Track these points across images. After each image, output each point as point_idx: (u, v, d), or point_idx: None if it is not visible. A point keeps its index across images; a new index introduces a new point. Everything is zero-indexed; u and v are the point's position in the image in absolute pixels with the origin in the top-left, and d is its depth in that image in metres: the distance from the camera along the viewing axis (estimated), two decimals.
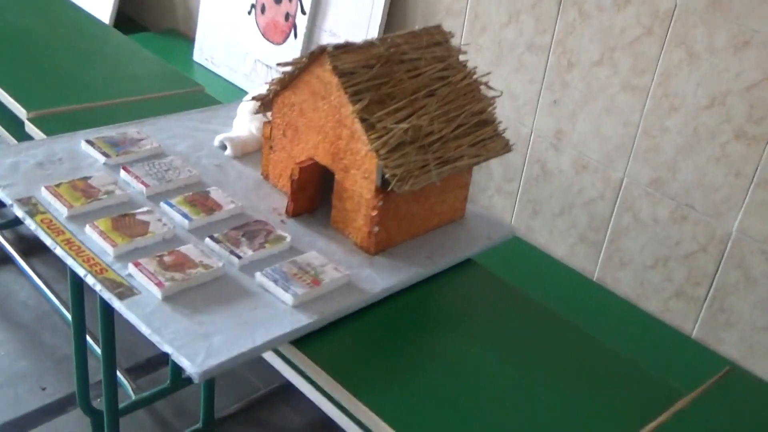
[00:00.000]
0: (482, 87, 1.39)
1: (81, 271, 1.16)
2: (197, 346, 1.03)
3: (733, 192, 1.66)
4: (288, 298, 1.16)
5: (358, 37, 2.15)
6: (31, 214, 1.24)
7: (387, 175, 1.22)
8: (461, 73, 1.38)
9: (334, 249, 1.31)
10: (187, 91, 1.87)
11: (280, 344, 1.09)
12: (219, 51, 2.63)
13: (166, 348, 1.02)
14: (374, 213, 1.29)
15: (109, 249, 1.19)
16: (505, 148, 1.39)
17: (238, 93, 2.42)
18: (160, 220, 1.27)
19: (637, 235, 1.84)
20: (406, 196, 1.29)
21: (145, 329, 1.05)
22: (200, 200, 1.34)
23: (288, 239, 1.29)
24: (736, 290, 1.71)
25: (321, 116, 1.32)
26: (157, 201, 1.34)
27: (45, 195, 1.30)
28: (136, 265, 1.16)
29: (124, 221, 1.26)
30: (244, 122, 1.59)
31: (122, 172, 1.39)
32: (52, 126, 1.58)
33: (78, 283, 1.48)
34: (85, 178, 1.34)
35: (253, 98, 1.43)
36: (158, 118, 1.59)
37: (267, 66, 2.50)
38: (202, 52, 2.71)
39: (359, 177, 1.29)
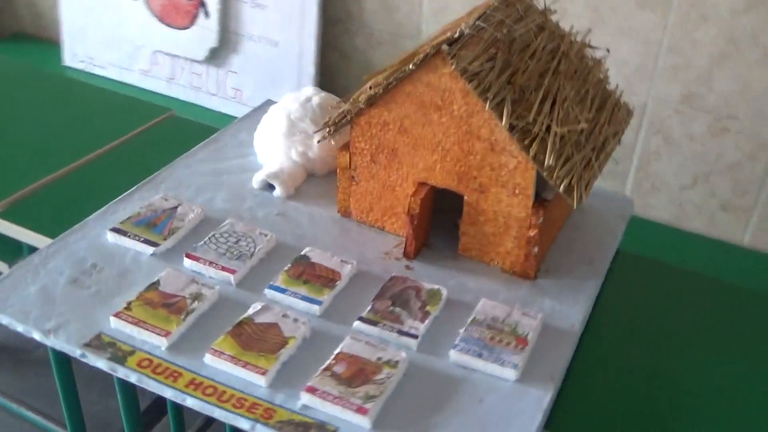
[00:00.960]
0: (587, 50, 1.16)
1: (244, 424, 0.85)
2: None
3: None
4: (510, 373, 0.92)
5: (291, 8, 1.86)
6: (120, 360, 0.90)
7: (560, 189, 0.98)
8: (566, 39, 1.13)
9: (486, 285, 1.06)
10: (157, 122, 1.48)
11: None
12: (99, 50, 2.17)
13: None
14: (533, 233, 1.05)
15: (258, 379, 0.88)
16: (629, 115, 1.17)
17: (171, 101, 2.01)
18: (286, 316, 0.97)
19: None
20: (552, 205, 1.07)
21: None
22: (307, 271, 1.05)
23: (444, 292, 1.03)
24: None
25: (437, 131, 1.04)
26: (255, 289, 1.03)
27: (118, 326, 0.95)
28: (311, 391, 0.86)
29: (246, 332, 0.94)
30: (279, 149, 1.26)
31: (187, 261, 1.05)
32: (30, 219, 1.19)
33: None
34: (153, 286, 0.99)
35: (324, 124, 1.11)
36: (160, 172, 1.25)
37: (172, 56, 2.09)
38: (76, 56, 2.22)
39: (505, 195, 1.04)
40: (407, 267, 1.10)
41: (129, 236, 1.09)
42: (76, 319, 0.97)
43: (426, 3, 1.92)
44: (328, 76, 2.12)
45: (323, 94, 1.30)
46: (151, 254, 1.08)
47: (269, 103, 1.49)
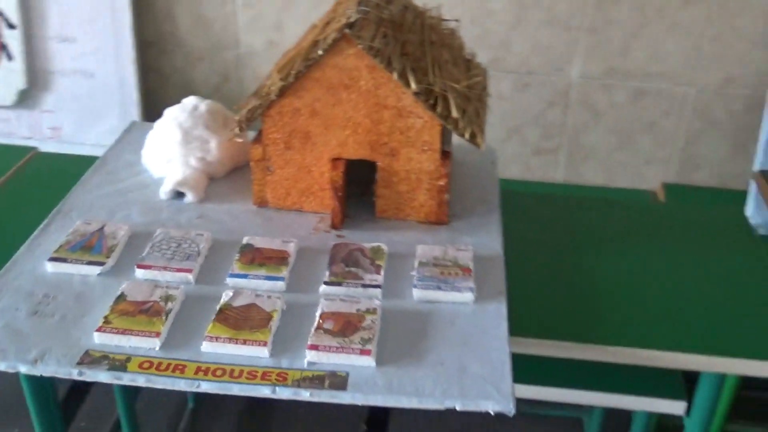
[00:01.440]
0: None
1: (265, 390, 0.93)
2: (486, 388, 0.92)
3: None
4: (468, 296, 1.08)
5: (103, 37, 1.89)
6: (120, 368, 0.94)
7: (466, 136, 1.15)
8: (425, 15, 1.32)
9: (410, 236, 1.22)
10: (24, 162, 1.47)
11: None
12: None
13: (459, 405, 0.90)
14: (443, 182, 1.22)
15: (260, 351, 0.97)
16: (486, 71, 1.38)
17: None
18: (259, 295, 1.06)
19: None
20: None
21: (418, 401, 0.91)
22: (257, 256, 1.13)
23: (384, 247, 1.17)
24: None
25: (347, 108, 1.17)
26: (213, 281, 1.10)
27: (103, 341, 0.98)
28: (314, 348, 0.97)
29: (231, 316, 1.02)
30: (177, 158, 1.32)
31: (140, 271, 1.10)
32: None
33: None
34: (121, 299, 1.04)
35: (237, 122, 1.19)
36: (64, 203, 1.27)
37: None
38: None
39: (414, 153, 1.20)
40: (338, 236, 1.21)
41: (71, 262, 1.10)
42: (56, 345, 0.97)
43: (240, 12, 2.01)
44: (151, 100, 2.14)
45: (207, 101, 1.37)
46: (99, 274, 1.10)
47: (137, 125, 1.52)
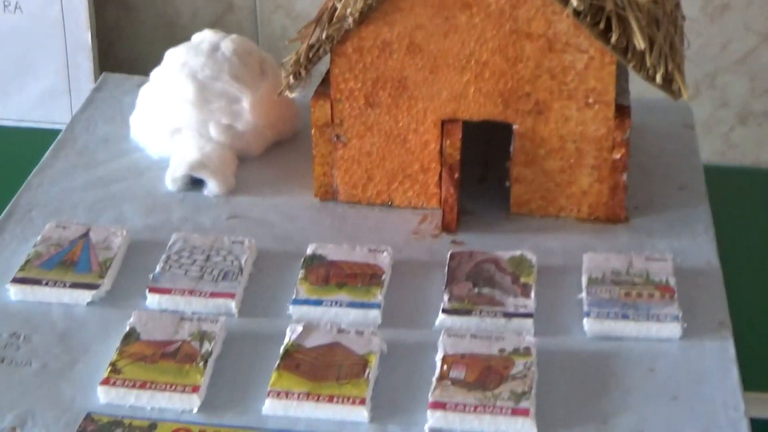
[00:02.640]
0: None
1: None
2: None
3: None
4: (673, 328, 1.16)
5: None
6: None
7: (658, 80, 1.25)
8: None
9: (569, 242, 1.32)
10: None
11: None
12: None
13: None
14: (619, 154, 1.31)
15: (356, 412, 1.07)
16: None
17: None
18: (343, 331, 1.16)
19: None
20: None
21: None
22: (333, 273, 1.24)
23: (531, 257, 1.27)
24: None
25: (467, 40, 1.27)
26: (272, 311, 1.22)
27: (112, 399, 1.09)
28: (439, 407, 1.07)
29: (304, 361, 1.13)
30: (189, 128, 1.43)
31: (153, 298, 1.21)
32: None
33: None
34: (132, 338, 1.15)
35: (287, 68, 1.30)
36: (16, 201, 1.41)
37: None
38: None
39: (574, 109, 1.29)
40: (454, 242, 1.31)
41: (46, 284, 1.21)
42: (39, 406, 1.08)
43: None
44: (107, 42, 2.26)
45: (232, 37, 1.48)
46: (90, 302, 1.21)
47: (113, 80, 1.65)
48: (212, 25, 2.19)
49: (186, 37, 1.54)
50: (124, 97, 1.57)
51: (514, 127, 1.29)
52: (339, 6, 1.28)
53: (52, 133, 1.56)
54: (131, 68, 2.00)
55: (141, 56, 2.26)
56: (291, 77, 1.30)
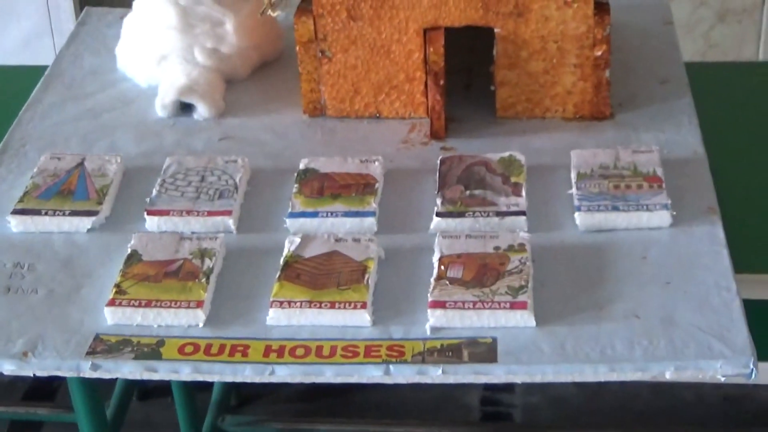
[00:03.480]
0: None
1: (374, 372, 1.05)
2: (709, 342, 1.03)
3: None
4: (663, 216, 1.18)
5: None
6: (152, 355, 1.07)
7: None
8: None
9: (563, 139, 1.34)
10: None
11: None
12: None
13: (670, 371, 1.01)
14: (600, 50, 1.32)
15: (359, 316, 1.09)
16: None
17: None
18: (341, 240, 1.18)
19: None
20: None
21: (608, 370, 1.02)
22: (327, 185, 1.25)
23: (520, 157, 1.28)
24: None
25: None
26: (269, 225, 1.24)
27: (120, 319, 1.11)
28: (439, 306, 1.09)
29: (304, 271, 1.14)
30: (175, 53, 1.45)
31: (152, 220, 1.22)
32: None
33: None
34: (135, 259, 1.17)
35: None
36: (9, 136, 1.42)
37: None
38: None
39: (554, 8, 1.30)
40: (444, 149, 1.33)
41: (46, 214, 1.23)
42: (49, 330, 1.10)
43: None
44: None
45: None
46: (90, 228, 1.23)
47: (95, 13, 1.66)
48: None
49: None
50: (108, 30, 1.58)
51: (496, 30, 1.31)
52: None
53: (38, 70, 1.56)
54: (111, 3, 1.99)
55: None
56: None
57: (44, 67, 1.56)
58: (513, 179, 1.23)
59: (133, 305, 1.10)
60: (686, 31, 2.21)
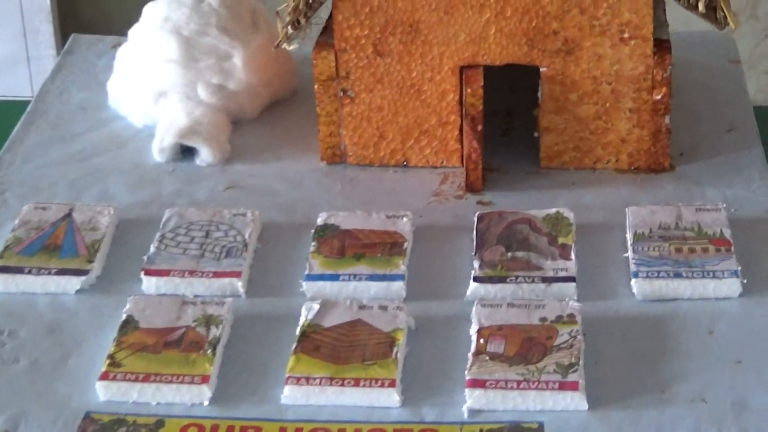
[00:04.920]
0: None
1: None
2: None
3: None
4: (733, 285, 1.18)
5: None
6: None
7: (701, 8, 1.26)
8: None
9: (617, 194, 1.34)
10: None
11: None
12: None
13: None
14: (660, 94, 1.33)
15: (386, 395, 1.09)
16: None
17: None
18: (365, 307, 1.18)
19: None
20: None
21: None
22: (349, 243, 1.26)
23: (568, 213, 1.28)
24: None
25: None
26: (283, 289, 1.24)
27: (114, 395, 1.11)
28: (478, 385, 1.09)
29: (325, 343, 1.14)
30: (175, 90, 1.45)
31: (149, 281, 1.23)
32: None
33: None
34: (130, 326, 1.17)
35: (284, 16, 1.32)
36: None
37: None
38: None
39: (608, 46, 1.31)
40: (481, 203, 1.33)
41: (29, 272, 1.23)
42: (32, 406, 1.09)
43: None
44: (68, 2, 2.26)
45: None
46: (79, 289, 1.23)
47: (84, 41, 1.66)
48: None
49: None
50: (99, 60, 1.59)
51: (542, 69, 1.31)
52: None
53: (18, 106, 1.57)
54: (98, 31, 2.00)
55: (109, 15, 2.26)
56: (289, 27, 1.31)
57: (24, 102, 1.55)
58: (561, 240, 1.23)
59: (129, 379, 1.10)
60: (748, 67, 2.21)
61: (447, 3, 1.29)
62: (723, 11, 1.24)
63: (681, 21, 1.38)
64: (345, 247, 1.24)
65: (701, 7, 1.23)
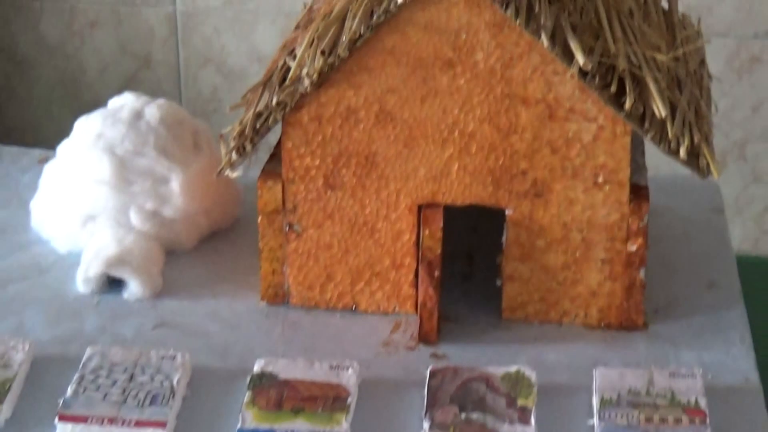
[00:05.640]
0: None
1: None
2: None
3: None
4: None
5: None
6: None
7: (681, 154, 1.25)
8: None
9: (585, 353, 1.32)
10: None
11: None
12: None
13: None
14: (635, 245, 1.32)
15: None
16: (699, 34, 1.49)
17: None
18: None
19: None
20: None
21: None
22: (288, 395, 1.23)
23: (529, 373, 1.26)
24: None
25: (450, 105, 1.28)
26: None
27: None
28: None
29: None
30: (104, 214, 1.43)
31: (64, 428, 1.20)
32: None
33: None
34: None
35: (228, 141, 1.30)
36: None
37: None
38: None
39: (580, 191, 1.30)
40: (435, 356, 1.31)
41: None
42: None
43: None
44: None
45: (159, 101, 1.48)
46: None
47: (8, 153, 1.64)
48: (125, 83, 2.19)
49: (92, 99, 1.54)
50: (22, 176, 1.57)
51: (507, 212, 1.31)
52: (293, 65, 1.28)
53: None
54: (23, 139, 1.98)
55: (36, 124, 2.25)
56: (233, 153, 1.30)
57: None
58: (520, 402, 1.21)
59: None
60: (734, 213, 2.22)
61: (407, 135, 1.28)
62: (706, 158, 1.22)
63: (660, 164, 1.35)
64: (283, 399, 1.21)
65: (683, 153, 1.22)
